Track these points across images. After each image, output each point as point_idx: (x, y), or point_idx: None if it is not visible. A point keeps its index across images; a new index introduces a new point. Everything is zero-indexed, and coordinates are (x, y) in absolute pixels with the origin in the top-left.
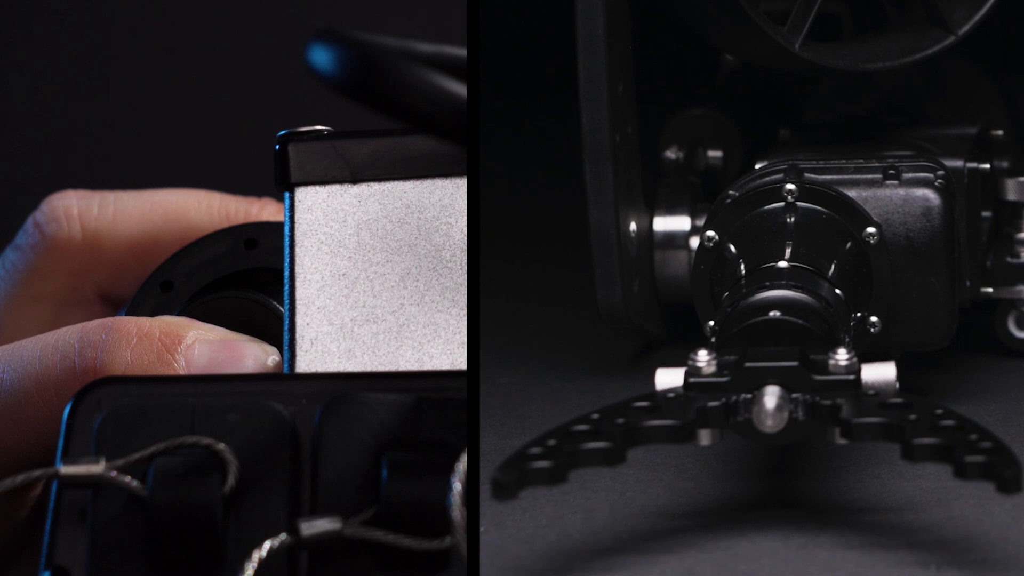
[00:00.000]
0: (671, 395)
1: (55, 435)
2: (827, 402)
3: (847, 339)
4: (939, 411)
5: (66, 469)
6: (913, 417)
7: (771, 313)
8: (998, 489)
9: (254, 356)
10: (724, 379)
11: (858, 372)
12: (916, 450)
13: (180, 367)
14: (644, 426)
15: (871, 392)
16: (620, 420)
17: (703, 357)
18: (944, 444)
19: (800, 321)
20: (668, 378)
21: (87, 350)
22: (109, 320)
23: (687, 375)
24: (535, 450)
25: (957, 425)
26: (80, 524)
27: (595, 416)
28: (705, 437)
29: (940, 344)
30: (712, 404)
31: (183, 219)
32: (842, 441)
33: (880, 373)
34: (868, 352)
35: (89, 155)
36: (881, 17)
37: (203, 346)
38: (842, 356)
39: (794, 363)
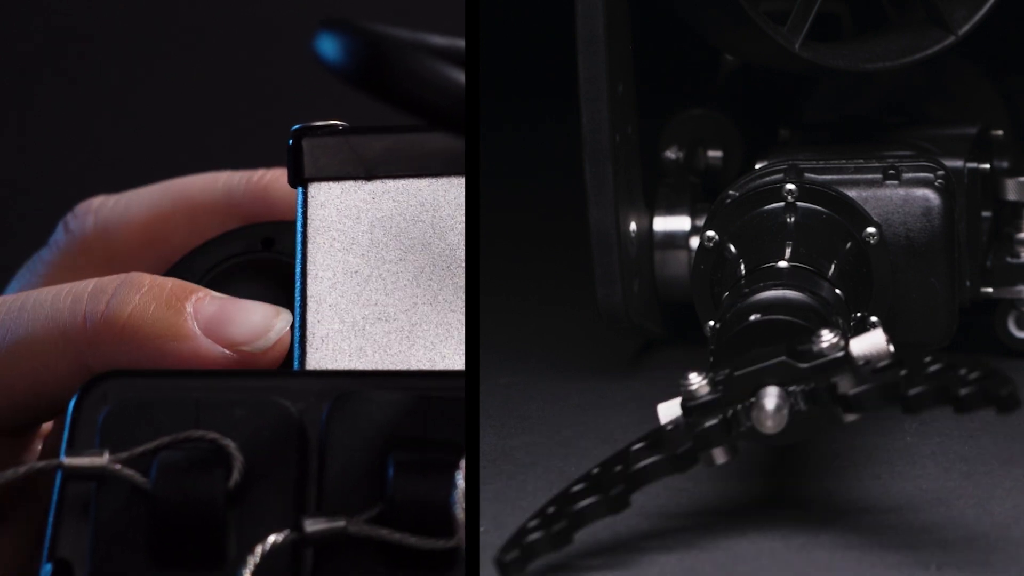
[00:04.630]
0: (670, 427)
1: (55, 382)
2: (823, 384)
3: (836, 320)
4: (927, 359)
5: (70, 461)
6: (904, 372)
7: (751, 318)
8: (998, 411)
9: (262, 313)
10: (719, 395)
11: (846, 348)
12: (912, 401)
13: (188, 314)
14: (643, 467)
15: (862, 362)
16: (619, 467)
17: (694, 380)
18: (937, 387)
19: (781, 317)
20: (670, 410)
21: (99, 294)
22: (126, 274)
23: (683, 402)
24: (534, 523)
25: (946, 366)
26: (83, 516)
27: (595, 471)
28: (719, 456)
29: (940, 344)
30: (709, 424)
31: (187, 199)
32: (851, 418)
33: (870, 343)
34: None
35: (94, 155)
36: (881, 17)
37: (213, 300)
38: (826, 337)
39: (781, 358)
